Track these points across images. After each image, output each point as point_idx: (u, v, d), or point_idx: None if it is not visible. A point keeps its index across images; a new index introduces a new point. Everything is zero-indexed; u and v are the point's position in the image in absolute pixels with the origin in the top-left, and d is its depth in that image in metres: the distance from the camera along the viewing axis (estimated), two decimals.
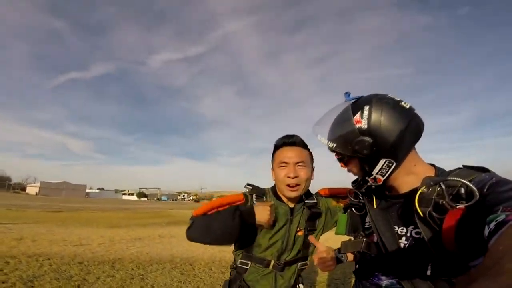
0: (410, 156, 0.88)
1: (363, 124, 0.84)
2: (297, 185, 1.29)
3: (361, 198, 1.05)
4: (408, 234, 0.85)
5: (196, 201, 78.04)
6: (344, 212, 1.16)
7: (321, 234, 1.42)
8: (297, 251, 1.34)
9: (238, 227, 1.18)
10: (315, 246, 1.38)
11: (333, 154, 0.99)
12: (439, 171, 0.89)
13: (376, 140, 0.82)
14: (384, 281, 0.90)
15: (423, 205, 0.75)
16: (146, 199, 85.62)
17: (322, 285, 4.14)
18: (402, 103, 0.86)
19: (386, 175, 0.86)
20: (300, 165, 1.30)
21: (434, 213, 0.72)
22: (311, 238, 1.30)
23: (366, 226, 1.03)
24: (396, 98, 0.87)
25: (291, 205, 1.36)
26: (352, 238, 1.08)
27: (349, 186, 1.04)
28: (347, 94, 0.91)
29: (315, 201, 1.39)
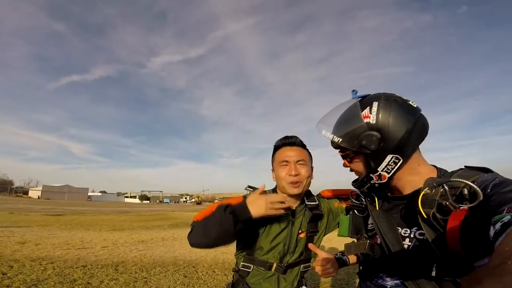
0: (415, 155, 0.88)
1: (372, 119, 0.84)
2: (298, 182, 1.29)
3: (363, 200, 1.05)
4: (412, 236, 0.85)
5: (199, 203, 78.02)
6: (346, 214, 1.16)
7: (324, 236, 1.42)
8: (300, 253, 1.34)
9: (232, 225, 1.11)
10: (317, 247, 1.38)
11: (336, 152, 0.99)
12: (441, 172, 0.89)
13: (384, 135, 0.83)
14: (389, 282, 0.90)
15: (427, 206, 0.75)
16: (148, 201, 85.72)
17: (326, 286, 4.13)
18: (410, 102, 0.87)
19: (392, 172, 0.86)
20: (300, 163, 1.31)
21: (437, 214, 0.72)
22: (311, 246, 1.30)
23: (368, 228, 1.03)
24: (403, 97, 0.88)
25: (293, 207, 1.36)
26: (355, 240, 1.08)
27: (351, 187, 1.03)
28: (354, 92, 0.92)
29: (316, 202, 1.39)
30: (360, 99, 0.91)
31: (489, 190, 0.68)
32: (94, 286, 3.68)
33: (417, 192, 0.80)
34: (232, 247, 1.37)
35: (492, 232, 0.55)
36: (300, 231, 1.34)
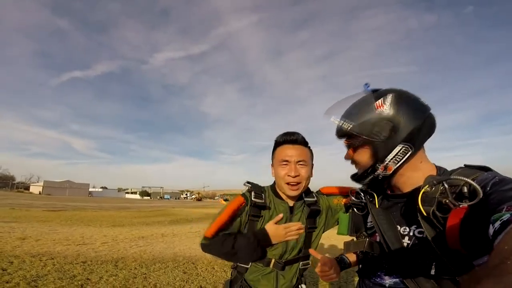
0: (420, 152, 0.88)
1: (385, 109, 0.85)
2: (298, 183, 1.28)
3: (363, 198, 1.05)
4: (411, 234, 0.85)
5: (199, 199, 78.26)
6: (346, 212, 1.16)
7: (323, 233, 1.41)
8: (298, 250, 1.34)
9: (259, 252, 1.26)
10: (316, 244, 1.38)
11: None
12: (440, 170, 0.89)
13: (396, 125, 0.83)
14: (388, 281, 0.90)
15: (426, 204, 0.75)
16: (149, 197, 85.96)
17: (325, 284, 4.14)
18: (421, 100, 0.88)
19: (399, 163, 0.86)
20: (301, 164, 1.28)
21: (437, 212, 0.72)
22: (312, 251, 1.31)
23: (368, 226, 1.03)
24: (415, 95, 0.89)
25: (291, 204, 1.35)
26: (355, 238, 1.08)
27: (351, 185, 1.03)
28: (367, 85, 0.92)
29: (314, 199, 1.38)
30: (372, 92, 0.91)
31: (488, 188, 0.68)
32: (93, 282, 3.69)
33: (417, 190, 0.80)
34: None
35: (491, 230, 0.55)
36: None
